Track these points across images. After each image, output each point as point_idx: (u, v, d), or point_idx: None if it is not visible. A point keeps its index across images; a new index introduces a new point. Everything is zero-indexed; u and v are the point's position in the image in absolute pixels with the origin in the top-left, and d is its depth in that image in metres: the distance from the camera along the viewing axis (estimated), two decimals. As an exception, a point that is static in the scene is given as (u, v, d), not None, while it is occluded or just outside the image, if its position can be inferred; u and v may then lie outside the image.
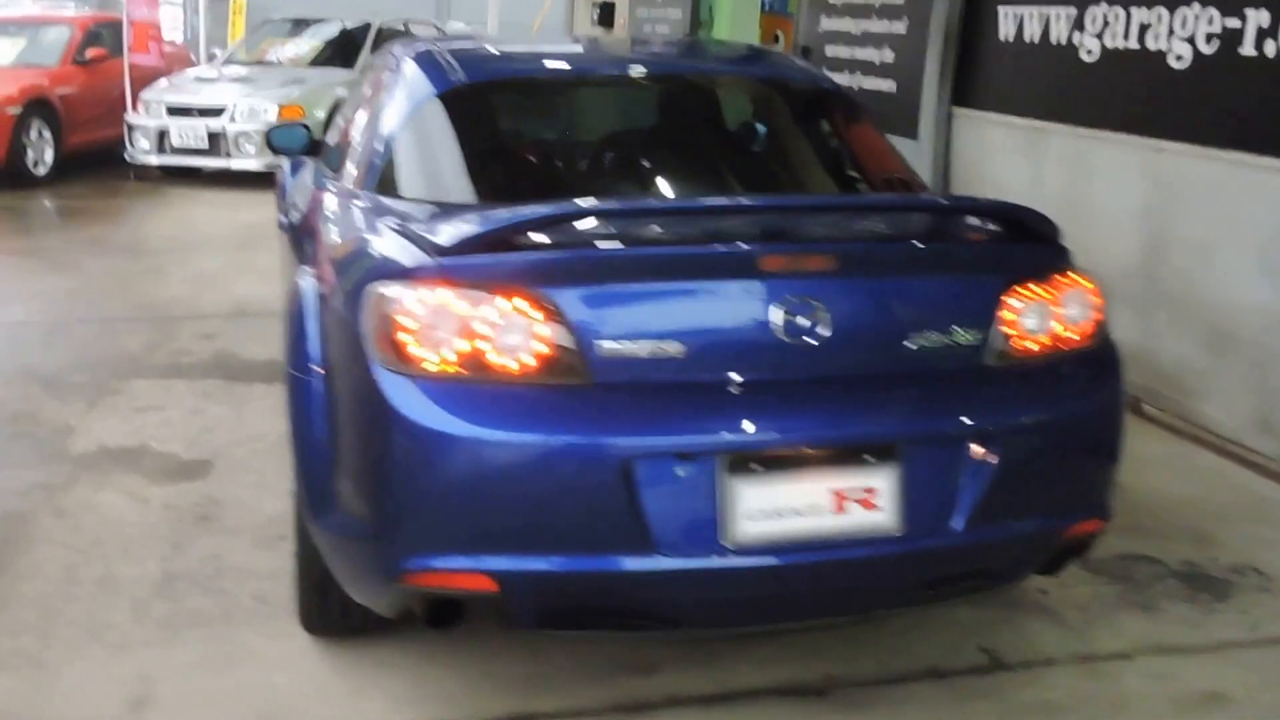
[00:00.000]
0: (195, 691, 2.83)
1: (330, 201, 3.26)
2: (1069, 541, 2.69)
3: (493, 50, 3.66)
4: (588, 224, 2.46)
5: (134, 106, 10.65)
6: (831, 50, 7.93)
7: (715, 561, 2.36)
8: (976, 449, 2.48)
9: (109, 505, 3.85)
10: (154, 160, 10.33)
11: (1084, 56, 5.43)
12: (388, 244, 2.62)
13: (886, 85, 7.23)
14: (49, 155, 10.31)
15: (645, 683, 2.87)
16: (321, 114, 9.87)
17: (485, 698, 2.81)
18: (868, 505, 2.41)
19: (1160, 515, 3.91)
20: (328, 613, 2.93)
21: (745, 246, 2.44)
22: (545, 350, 2.35)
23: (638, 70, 3.57)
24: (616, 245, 2.45)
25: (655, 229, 2.53)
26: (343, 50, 11.71)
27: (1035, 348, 2.63)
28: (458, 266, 2.37)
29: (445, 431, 2.32)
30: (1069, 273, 2.71)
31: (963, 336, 2.53)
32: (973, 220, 2.70)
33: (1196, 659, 3.02)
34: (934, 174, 6.61)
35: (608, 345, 2.35)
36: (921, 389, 2.51)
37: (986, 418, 2.51)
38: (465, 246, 2.38)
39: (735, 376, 2.40)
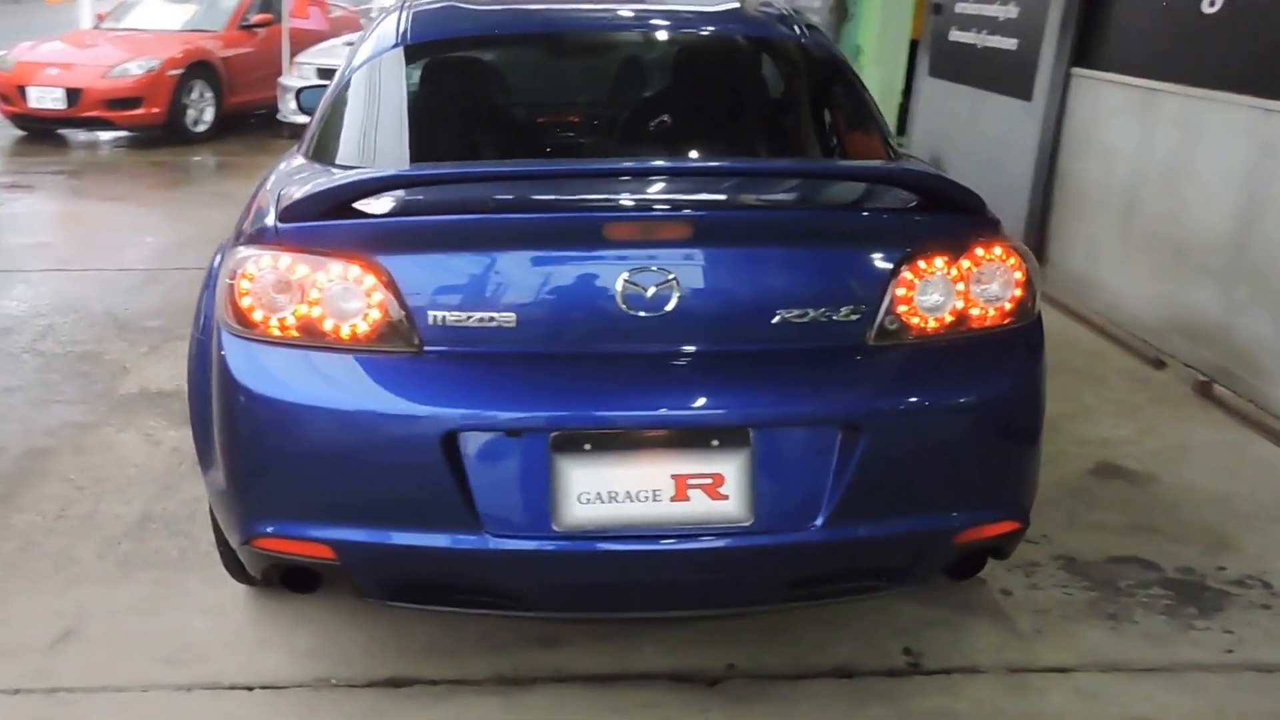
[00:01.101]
0: (120, 631, 2.92)
1: (276, 169, 3.26)
2: (971, 545, 2.44)
3: (459, 10, 3.52)
4: (431, 189, 2.37)
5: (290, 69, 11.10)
6: (961, 6, 7.46)
7: (543, 545, 2.25)
8: (844, 437, 2.27)
9: (125, 446, 4.02)
10: (300, 119, 10.68)
11: (1205, 8, 4.91)
12: (263, 210, 2.60)
13: (1008, 43, 6.74)
14: (209, 114, 10.87)
15: (541, 657, 2.79)
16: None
17: (379, 660, 2.79)
18: (713, 493, 2.24)
19: (1180, 513, 3.53)
20: (239, 565, 2.96)
21: (587, 213, 2.31)
22: (376, 317, 2.30)
23: (584, 29, 3.39)
24: (453, 211, 2.36)
25: (503, 194, 2.42)
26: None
27: (936, 326, 2.38)
28: (294, 231, 2.34)
29: (276, 398, 2.31)
30: (988, 245, 2.42)
31: (842, 313, 2.31)
32: (874, 187, 2.44)
33: (1143, 679, 2.71)
34: (1043, 138, 6.14)
35: (439, 314, 2.27)
36: (784, 370, 2.30)
37: (855, 403, 2.29)
38: (301, 210, 2.34)
39: (572, 350, 2.28)
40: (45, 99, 10.18)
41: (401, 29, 3.23)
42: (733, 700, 2.64)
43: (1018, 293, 2.44)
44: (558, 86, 3.51)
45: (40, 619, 2.96)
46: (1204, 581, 3.13)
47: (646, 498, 2.24)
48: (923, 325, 2.37)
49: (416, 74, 3.19)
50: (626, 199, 2.39)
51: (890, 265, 2.34)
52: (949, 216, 2.43)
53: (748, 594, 2.45)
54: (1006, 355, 2.44)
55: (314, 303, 2.31)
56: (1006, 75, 6.60)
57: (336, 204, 2.32)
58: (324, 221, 2.32)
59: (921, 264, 2.35)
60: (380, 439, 2.25)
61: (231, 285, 2.36)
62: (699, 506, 2.24)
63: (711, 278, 2.28)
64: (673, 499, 2.24)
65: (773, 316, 2.29)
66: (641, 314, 2.25)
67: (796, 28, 3.31)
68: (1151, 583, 3.13)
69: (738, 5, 3.54)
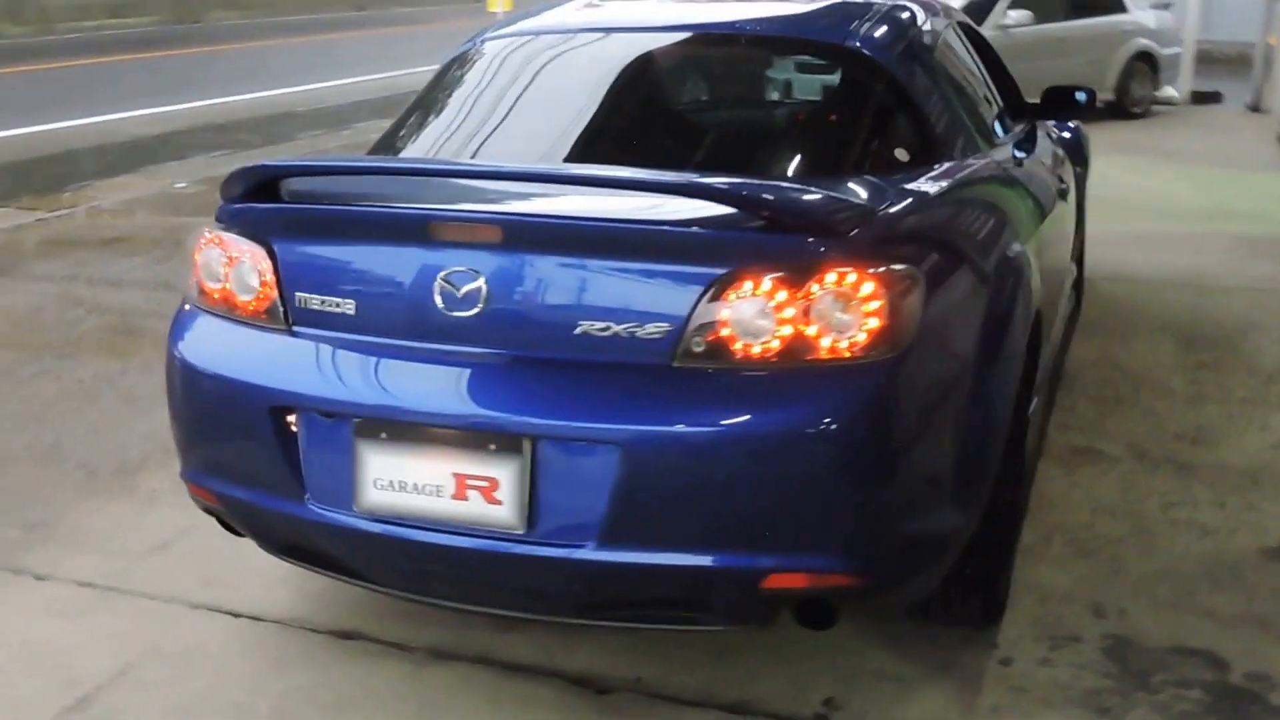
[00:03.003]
0: (198, 550, 3.31)
1: None
2: (788, 592, 2.19)
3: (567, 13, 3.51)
4: (327, 179, 2.57)
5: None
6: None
7: (346, 520, 2.36)
8: (624, 459, 2.13)
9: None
10: None
11: None
12: None
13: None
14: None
15: (482, 638, 2.81)
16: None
17: (353, 612, 2.95)
18: (488, 496, 2.23)
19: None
20: None
21: (415, 210, 2.38)
22: (264, 294, 2.49)
23: (654, 32, 3.31)
24: (323, 202, 2.52)
25: (388, 188, 2.52)
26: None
27: (762, 354, 2.15)
28: (226, 211, 2.59)
29: (177, 357, 2.61)
30: (840, 271, 2.14)
31: (646, 330, 2.17)
32: (709, 204, 2.19)
33: (1065, 790, 2.17)
34: None
35: (302, 296, 2.44)
36: (572, 382, 2.21)
37: (637, 425, 2.14)
38: (228, 191, 2.57)
39: (394, 342, 2.35)
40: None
41: (484, 31, 3.37)
42: (604, 712, 2.53)
43: (874, 323, 2.13)
44: (616, 88, 3.33)
45: (158, 529, 3.45)
46: (1265, 695, 2.45)
47: (430, 491, 2.28)
48: (745, 352, 2.14)
49: (464, 71, 3.30)
50: (464, 200, 2.43)
51: (700, 285, 2.15)
52: (785, 237, 2.17)
53: (524, 602, 2.40)
54: (842, 391, 2.13)
55: (227, 277, 2.55)
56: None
57: (250, 186, 2.52)
58: (244, 204, 2.54)
59: (744, 286, 2.14)
60: (235, 405, 2.48)
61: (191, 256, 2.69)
62: (475, 508, 2.25)
63: (519, 283, 2.25)
64: (453, 496, 2.26)
65: (575, 327, 2.21)
66: (454, 313, 2.27)
67: (849, 26, 3.01)
68: (1195, 684, 2.51)
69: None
